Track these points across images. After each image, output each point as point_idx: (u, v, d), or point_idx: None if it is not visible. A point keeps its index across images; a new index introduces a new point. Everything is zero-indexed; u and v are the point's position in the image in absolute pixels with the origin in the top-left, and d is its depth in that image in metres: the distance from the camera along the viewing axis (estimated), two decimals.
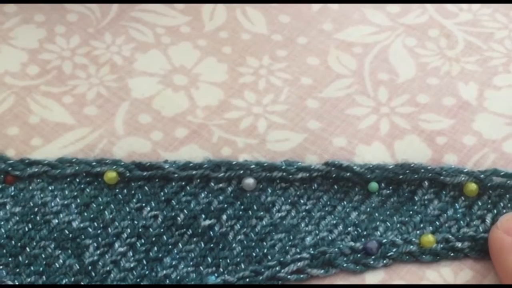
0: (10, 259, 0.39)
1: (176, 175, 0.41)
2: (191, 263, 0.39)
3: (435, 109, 0.45)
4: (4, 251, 0.39)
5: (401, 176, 0.41)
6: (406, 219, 0.40)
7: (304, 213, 0.41)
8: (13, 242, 0.39)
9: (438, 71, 0.47)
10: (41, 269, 0.38)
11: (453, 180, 0.41)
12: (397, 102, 0.45)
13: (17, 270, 0.38)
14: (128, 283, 0.38)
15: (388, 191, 0.41)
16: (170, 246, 0.39)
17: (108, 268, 0.39)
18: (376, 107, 0.45)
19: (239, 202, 0.41)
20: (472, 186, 0.41)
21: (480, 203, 0.41)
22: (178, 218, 0.40)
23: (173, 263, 0.39)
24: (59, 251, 0.39)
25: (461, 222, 0.40)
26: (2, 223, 0.40)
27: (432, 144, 0.43)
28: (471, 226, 0.40)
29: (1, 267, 0.38)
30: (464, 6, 0.51)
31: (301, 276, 0.38)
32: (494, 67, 0.47)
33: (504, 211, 0.40)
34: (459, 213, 0.41)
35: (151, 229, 0.40)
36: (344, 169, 0.41)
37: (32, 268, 0.39)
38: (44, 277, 0.38)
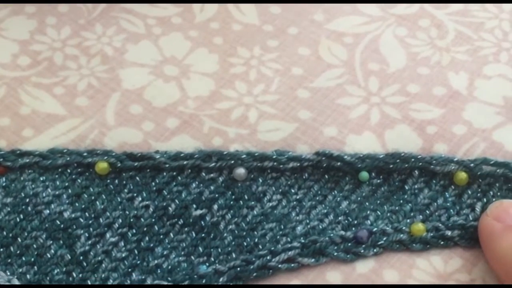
0: (1, 250, 0.39)
1: (167, 165, 0.41)
2: (182, 252, 0.39)
3: (425, 98, 0.45)
4: None
5: (391, 166, 0.41)
6: (397, 208, 0.41)
7: (295, 202, 0.41)
8: (4, 232, 0.39)
9: (429, 61, 0.47)
10: (32, 259, 0.39)
11: (443, 169, 0.41)
12: (388, 92, 0.46)
13: (9, 260, 0.39)
14: (120, 273, 0.38)
15: (378, 181, 0.41)
16: (161, 236, 0.40)
17: (99, 258, 0.39)
18: (367, 97, 0.45)
19: (230, 192, 0.41)
20: (462, 175, 0.41)
21: (470, 192, 0.41)
22: (169, 208, 0.40)
23: (165, 252, 0.39)
24: (51, 242, 0.39)
25: (451, 210, 0.41)
26: None
27: (423, 133, 0.44)
28: (461, 214, 0.40)
29: None
30: None
31: (292, 265, 0.39)
32: (484, 56, 0.48)
33: (494, 199, 0.40)
34: (449, 201, 0.41)
35: (142, 219, 0.40)
36: (334, 159, 0.41)
37: (23, 258, 0.39)
38: (35, 267, 0.38)
